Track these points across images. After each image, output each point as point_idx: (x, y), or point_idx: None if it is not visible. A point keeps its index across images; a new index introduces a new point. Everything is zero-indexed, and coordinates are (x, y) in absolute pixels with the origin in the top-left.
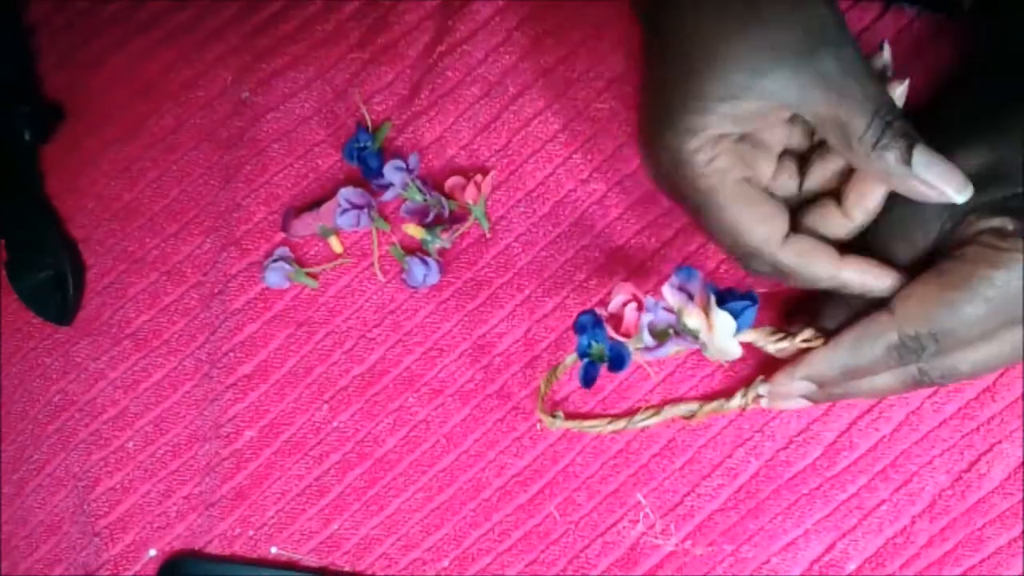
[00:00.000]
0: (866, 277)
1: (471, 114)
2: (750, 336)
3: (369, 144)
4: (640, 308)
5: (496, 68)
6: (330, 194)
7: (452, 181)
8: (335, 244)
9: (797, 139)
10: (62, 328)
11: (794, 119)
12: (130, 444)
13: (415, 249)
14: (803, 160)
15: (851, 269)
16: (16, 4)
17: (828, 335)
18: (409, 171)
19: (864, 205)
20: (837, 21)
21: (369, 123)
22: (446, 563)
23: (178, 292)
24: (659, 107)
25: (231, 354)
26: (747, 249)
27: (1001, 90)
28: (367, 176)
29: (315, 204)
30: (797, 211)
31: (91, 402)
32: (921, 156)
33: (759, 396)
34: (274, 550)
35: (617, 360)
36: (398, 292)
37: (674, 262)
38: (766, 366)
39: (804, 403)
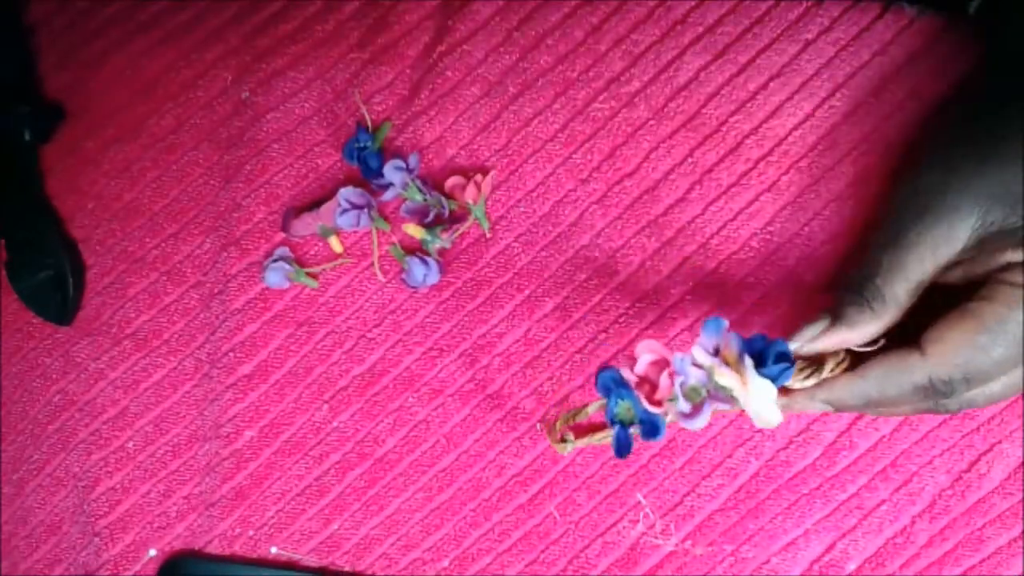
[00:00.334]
0: None
1: (471, 114)
2: None
3: (369, 144)
4: (670, 374)
5: (496, 68)
6: (330, 194)
7: (452, 181)
8: (335, 244)
9: None
10: (62, 328)
11: None
12: (130, 444)
13: (415, 249)
14: None
15: None
16: (16, 4)
17: (852, 363)
18: (409, 171)
19: None
20: None
21: (369, 123)
22: (446, 563)
23: (178, 292)
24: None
25: (231, 354)
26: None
27: (1005, 94)
28: (367, 176)
29: (315, 204)
30: None
31: (91, 402)
32: None
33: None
34: (274, 550)
35: (651, 429)
36: (398, 292)
37: (674, 262)
38: None
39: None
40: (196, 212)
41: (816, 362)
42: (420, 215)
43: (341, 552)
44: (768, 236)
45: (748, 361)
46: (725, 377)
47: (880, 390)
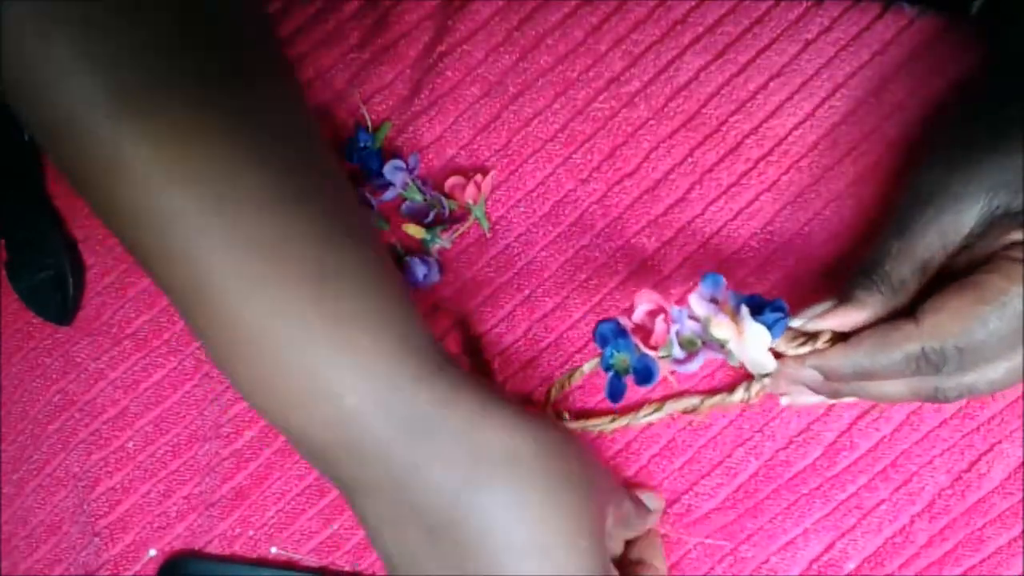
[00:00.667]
0: None
1: (471, 114)
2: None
3: (369, 144)
4: (666, 318)
5: (496, 68)
6: None
7: (452, 181)
8: None
9: None
10: (62, 328)
11: None
12: (130, 444)
13: (415, 249)
14: None
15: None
16: None
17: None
18: (409, 171)
19: None
20: None
21: (369, 123)
22: None
23: None
24: None
25: None
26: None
27: (1007, 94)
28: (367, 176)
29: None
30: None
31: (91, 402)
32: None
33: (762, 389)
34: (274, 550)
35: (645, 373)
36: None
37: (674, 262)
38: None
39: (808, 396)
40: None
41: (811, 336)
42: (420, 215)
43: (341, 552)
44: (768, 236)
45: (744, 310)
46: (721, 328)
47: (871, 358)
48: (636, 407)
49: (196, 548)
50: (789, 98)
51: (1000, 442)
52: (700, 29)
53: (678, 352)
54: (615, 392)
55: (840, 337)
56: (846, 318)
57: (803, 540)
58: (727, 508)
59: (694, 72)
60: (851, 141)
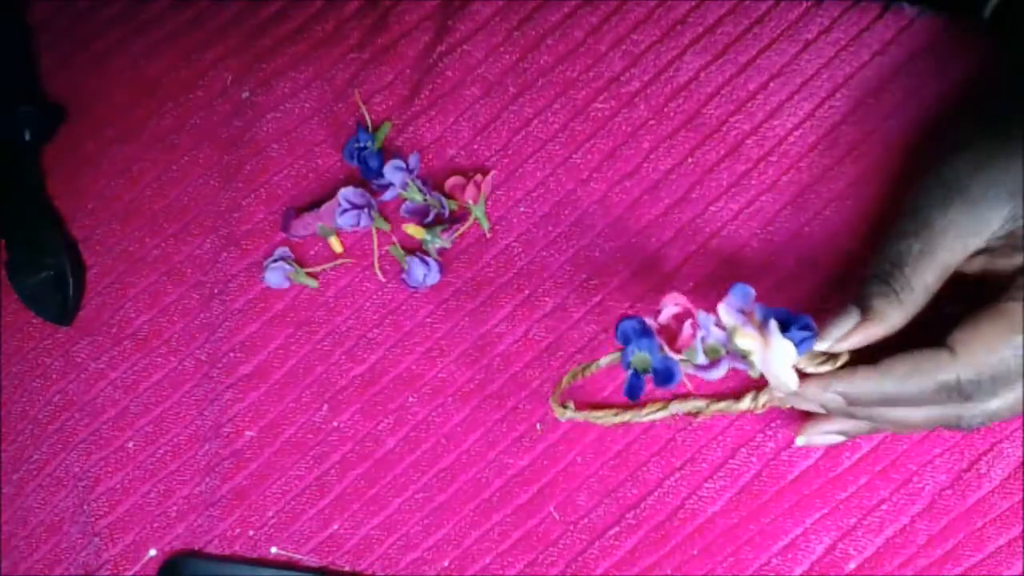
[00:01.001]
0: None
1: (471, 114)
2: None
3: (369, 144)
4: (693, 323)
5: (496, 68)
6: (330, 194)
7: (452, 181)
8: (335, 244)
9: None
10: (62, 328)
11: None
12: (130, 444)
13: (415, 249)
14: None
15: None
16: (18, 5)
17: (869, 361)
18: (409, 171)
19: None
20: None
21: (369, 123)
22: (446, 563)
23: (178, 292)
24: None
25: (231, 354)
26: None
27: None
28: (367, 176)
29: (315, 204)
30: None
31: (91, 402)
32: None
33: (769, 401)
34: (274, 550)
35: (666, 375)
36: (398, 292)
37: (674, 262)
38: None
39: (825, 438)
40: (196, 212)
41: (832, 355)
42: (420, 215)
43: (341, 552)
44: (768, 236)
45: (773, 324)
46: (746, 340)
47: (901, 388)
48: (641, 405)
49: (196, 548)
50: (789, 98)
51: (1000, 442)
52: (700, 29)
53: (702, 358)
54: (633, 390)
55: (858, 353)
56: (868, 334)
57: (804, 540)
58: (730, 510)
59: (694, 72)
60: (851, 141)
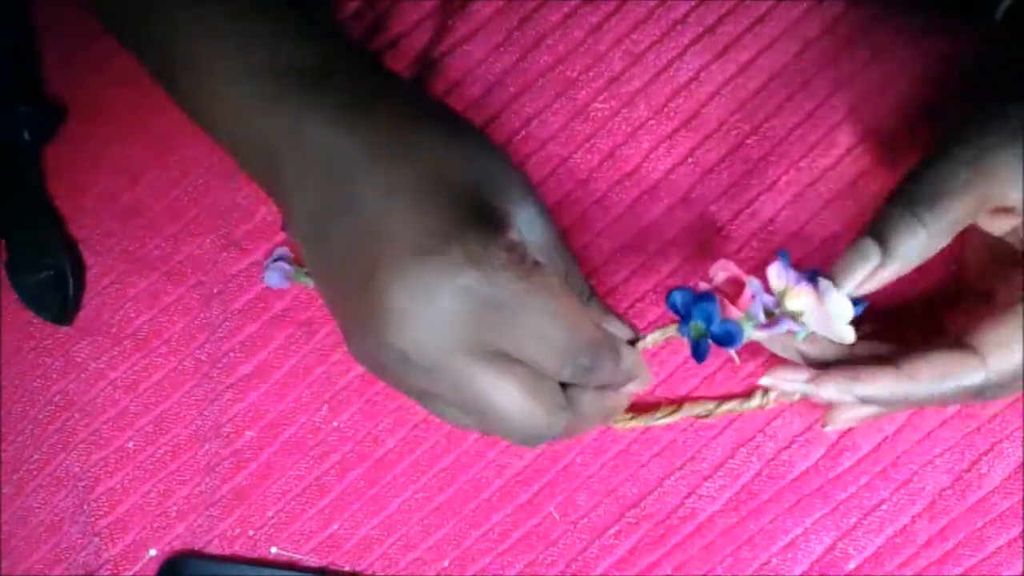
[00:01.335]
0: None
1: (471, 114)
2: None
3: None
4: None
5: (496, 68)
6: None
7: None
8: None
9: None
10: (62, 328)
11: None
12: (130, 444)
13: None
14: None
15: None
16: (19, 4)
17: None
18: None
19: None
20: None
21: None
22: (446, 563)
23: (178, 292)
24: None
25: (231, 354)
26: None
27: None
28: None
29: None
30: None
31: (91, 402)
32: None
33: (779, 396)
34: (274, 550)
35: (727, 336)
36: None
37: (674, 262)
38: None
39: (848, 415)
40: (196, 212)
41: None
42: None
43: (341, 552)
44: (768, 236)
45: (825, 283)
46: (796, 300)
47: (930, 392)
48: (653, 408)
49: (196, 548)
50: (789, 98)
51: (1000, 442)
52: (700, 29)
53: (762, 316)
54: (700, 351)
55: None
56: (882, 278)
57: (804, 540)
58: (729, 510)
59: (694, 72)
60: (851, 141)
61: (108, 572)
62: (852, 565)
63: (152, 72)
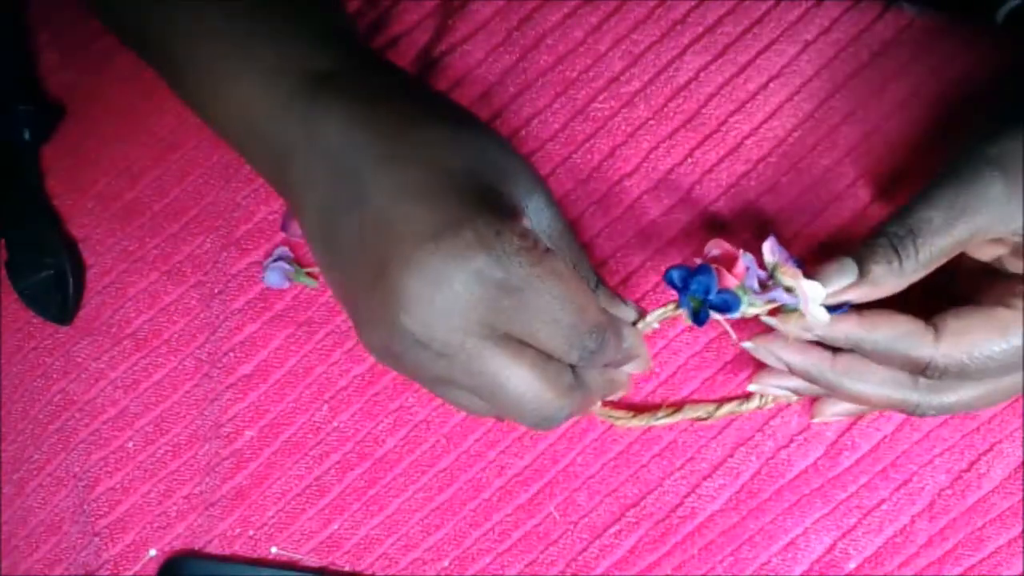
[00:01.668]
0: None
1: None
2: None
3: None
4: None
5: (496, 68)
6: None
7: None
8: None
9: None
10: (62, 328)
11: None
12: (130, 444)
13: None
14: None
15: None
16: (18, 4)
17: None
18: None
19: None
20: None
21: None
22: (446, 563)
23: (178, 292)
24: None
25: (231, 354)
26: None
27: None
28: None
29: None
30: None
31: (91, 402)
32: None
33: (776, 396)
34: (274, 550)
35: (725, 305)
36: None
37: (674, 261)
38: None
39: (837, 409)
40: (196, 212)
41: None
42: None
43: (341, 552)
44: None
45: (799, 269)
46: (786, 276)
47: (876, 345)
48: (655, 408)
49: (196, 548)
50: (789, 98)
51: (1000, 442)
52: (700, 29)
53: (756, 285)
54: (700, 317)
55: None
56: (859, 295)
57: (804, 540)
58: (729, 509)
59: (694, 72)
60: (851, 141)
61: (108, 572)
62: (852, 565)
63: (156, 71)
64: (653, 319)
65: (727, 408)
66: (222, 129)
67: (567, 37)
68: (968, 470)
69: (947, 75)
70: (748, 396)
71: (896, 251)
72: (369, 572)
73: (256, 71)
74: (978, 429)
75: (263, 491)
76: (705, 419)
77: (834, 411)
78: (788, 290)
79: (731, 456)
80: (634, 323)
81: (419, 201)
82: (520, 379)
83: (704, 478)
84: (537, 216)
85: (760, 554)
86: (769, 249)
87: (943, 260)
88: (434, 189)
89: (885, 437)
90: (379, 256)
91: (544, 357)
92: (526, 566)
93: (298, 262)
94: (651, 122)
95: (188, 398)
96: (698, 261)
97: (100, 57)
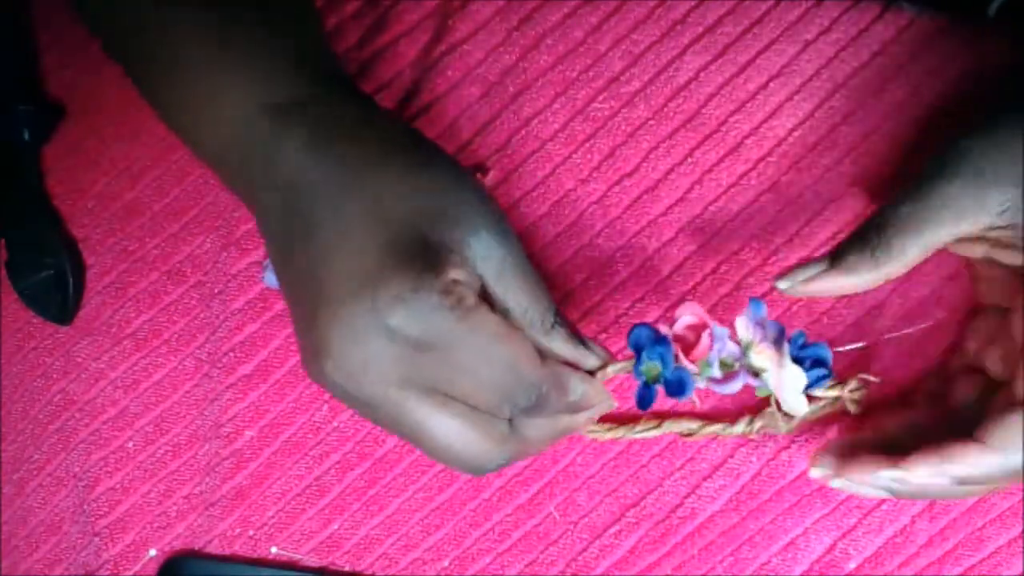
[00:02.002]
0: None
1: (471, 114)
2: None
3: None
4: (710, 333)
5: (496, 68)
6: None
7: None
8: None
9: None
10: (62, 328)
11: None
12: (130, 444)
13: None
14: None
15: None
16: (18, 4)
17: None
18: None
19: None
20: None
21: None
22: (446, 563)
23: (178, 292)
24: None
25: (231, 354)
26: None
27: None
28: None
29: None
30: None
31: (91, 402)
32: None
33: (764, 427)
34: (274, 550)
35: (678, 386)
36: None
37: (674, 262)
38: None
39: (866, 490)
40: (196, 212)
41: (839, 381)
42: None
43: (341, 552)
44: (768, 236)
45: (786, 348)
46: (760, 357)
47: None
48: (635, 420)
49: (196, 548)
50: (789, 98)
51: None
52: (700, 29)
53: (717, 372)
54: (644, 400)
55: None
56: (836, 283)
57: (804, 540)
58: (730, 510)
59: (694, 72)
60: (851, 141)
61: (108, 572)
62: (852, 565)
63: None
64: (613, 371)
65: (712, 428)
66: (198, 153)
67: (567, 37)
68: None
69: (947, 75)
70: (734, 420)
71: (868, 241)
72: (369, 572)
73: (224, 97)
74: None
75: (263, 491)
76: (688, 436)
77: (866, 491)
78: (756, 374)
79: (731, 457)
80: (594, 372)
81: (351, 252)
82: (447, 429)
83: (704, 478)
84: (485, 256)
85: (760, 554)
86: (743, 325)
87: (920, 254)
88: (367, 232)
89: None
90: (313, 301)
91: (473, 408)
92: (526, 566)
93: None
94: (651, 122)
95: (188, 398)
96: (664, 329)
97: (100, 57)
